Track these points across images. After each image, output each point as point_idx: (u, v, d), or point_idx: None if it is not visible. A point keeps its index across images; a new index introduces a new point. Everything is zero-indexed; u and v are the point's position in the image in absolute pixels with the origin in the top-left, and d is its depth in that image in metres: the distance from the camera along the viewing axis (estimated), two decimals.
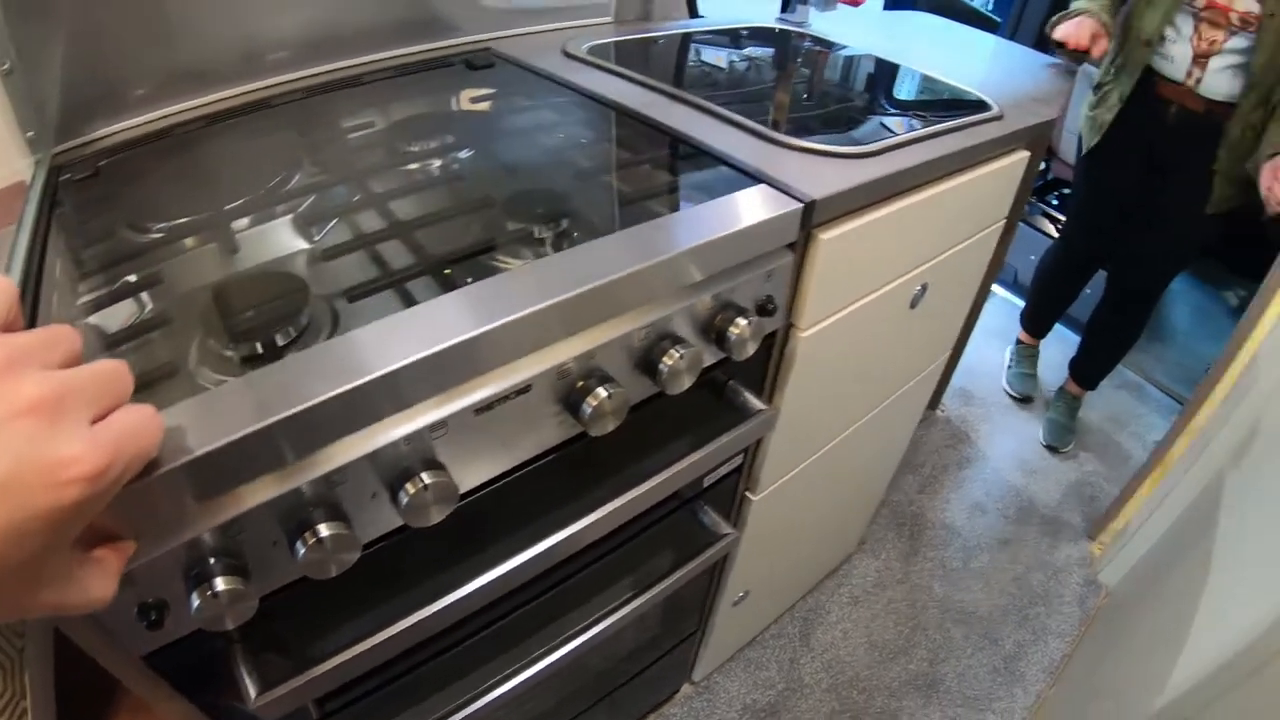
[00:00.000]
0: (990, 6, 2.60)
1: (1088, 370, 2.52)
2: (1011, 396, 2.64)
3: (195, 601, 0.48)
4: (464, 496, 0.60)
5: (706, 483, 0.96)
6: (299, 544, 0.50)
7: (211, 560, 0.49)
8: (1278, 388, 1.63)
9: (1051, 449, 2.50)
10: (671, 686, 1.58)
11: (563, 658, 0.88)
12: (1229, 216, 1.97)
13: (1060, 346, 2.75)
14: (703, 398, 0.83)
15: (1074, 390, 2.57)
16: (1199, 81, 1.83)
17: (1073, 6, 1.86)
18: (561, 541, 0.71)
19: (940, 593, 2.00)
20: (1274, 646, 0.99)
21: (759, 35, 1.38)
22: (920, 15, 2.05)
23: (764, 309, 0.76)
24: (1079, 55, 1.79)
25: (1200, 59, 1.82)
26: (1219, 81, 1.81)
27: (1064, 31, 1.78)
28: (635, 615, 0.95)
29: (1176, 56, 1.86)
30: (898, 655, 1.84)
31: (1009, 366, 2.70)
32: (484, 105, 1.01)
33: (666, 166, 0.86)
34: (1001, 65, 1.63)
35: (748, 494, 1.08)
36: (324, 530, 0.50)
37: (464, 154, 0.87)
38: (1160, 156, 1.99)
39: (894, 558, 2.04)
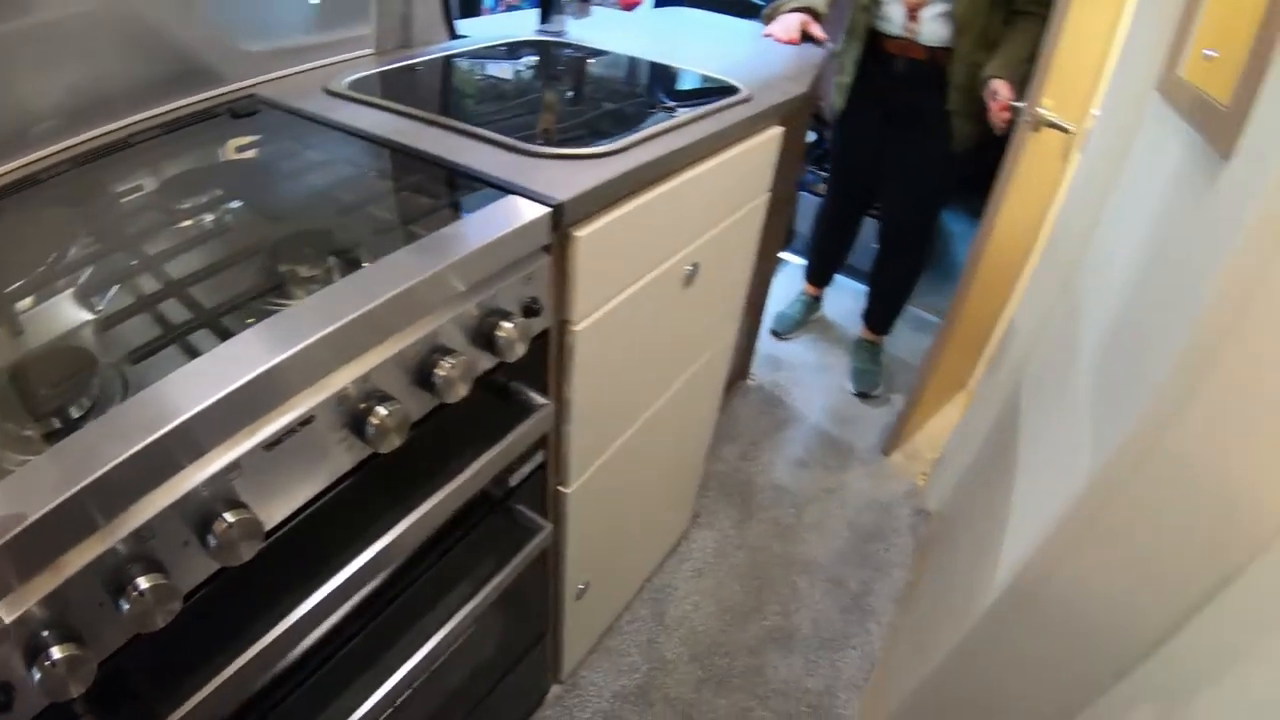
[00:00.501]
0: None
1: (878, 316, 2.78)
2: (773, 334, 2.91)
3: (36, 675, 0.51)
4: (275, 531, 0.65)
5: (513, 482, 1.03)
6: (122, 601, 0.55)
7: (44, 632, 0.52)
8: (1050, 310, 1.88)
9: (863, 395, 2.73)
10: (539, 690, 1.64)
11: (409, 678, 0.92)
12: (985, 152, 2.22)
13: (857, 299, 2.99)
14: (493, 403, 0.91)
15: (870, 337, 2.82)
16: (916, 33, 2.09)
17: None
18: (373, 559, 0.76)
19: (779, 550, 2.16)
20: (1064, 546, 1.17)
21: (518, 49, 1.48)
22: (685, 11, 2.22)
23: (530, 310, 0.85)
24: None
25: (913, 12, 2.08)
26: (934, 30, 2.08)
27: (777, 31, 1.98)
28: (471, 622, 1.01)
29: (893, 15, 2.12)
30: (751, 615, 1.98)
31: (780, 307, 2.97)
32: (249, 154, 1.04)
33: (425, 191, 0.94)
34: (759, 49, 1.80)
35: (560, 488, 1.17)
36: (143, 584, 0.55)
37: (233, 205, 0.91)
38: (899, 106, 2.24)
39: (729, 525, 2.19)
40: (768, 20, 2.04)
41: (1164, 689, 1.15)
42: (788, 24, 1.98)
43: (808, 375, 2.80)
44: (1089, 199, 1.75)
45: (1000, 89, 2.01)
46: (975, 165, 2.31)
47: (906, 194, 2.44)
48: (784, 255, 3.20)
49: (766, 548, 2.16)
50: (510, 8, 2.47)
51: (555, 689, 1.72)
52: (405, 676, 0.92)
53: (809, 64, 1.72)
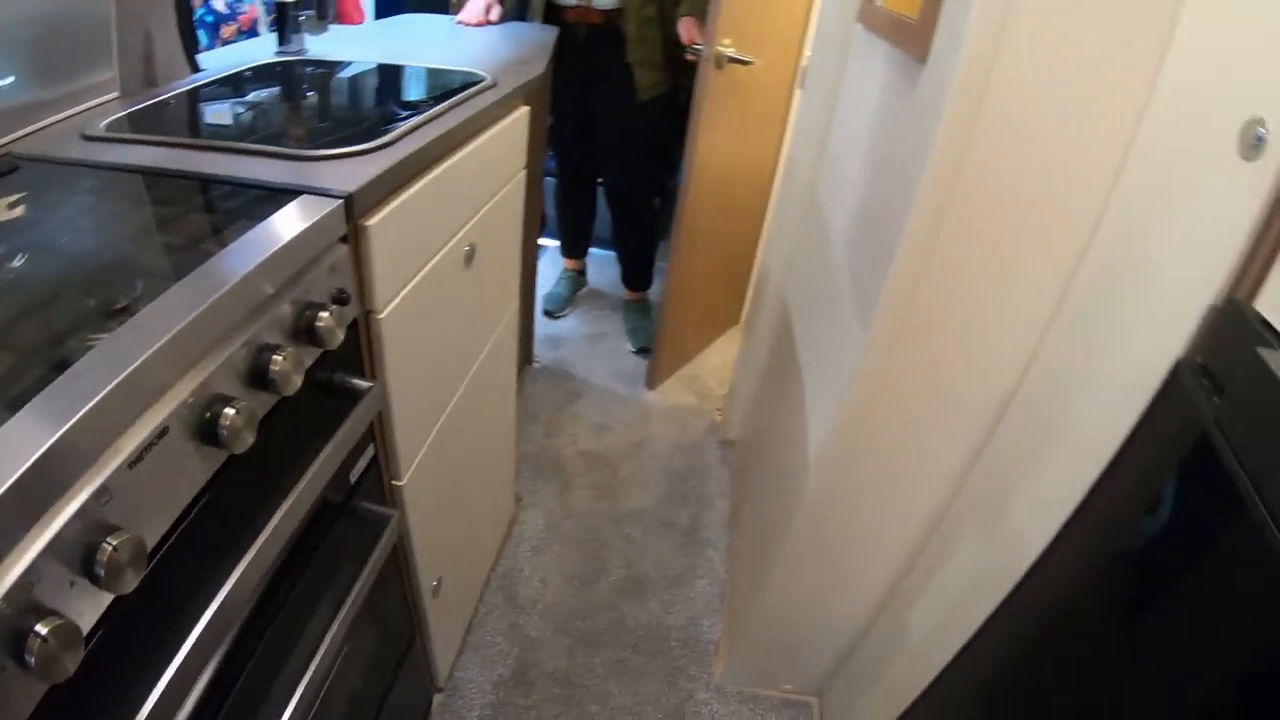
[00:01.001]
0: None
1: (631, 275, 2.92)
2: (546, 314, 3.01)
3: None
4: (158, 551, 0.65)
5: (353, 479, 1.04)
6: (27, 655, 0.53)
7: None
8: (799, 233, 2.06)
9: (642, 351, 2.85)
10: (423, 702, 1.64)
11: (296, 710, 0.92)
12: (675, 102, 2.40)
13: (616, 265, 3.11)
14: (326, 398, 0.92)
15: (633, 297, 2.95)
16: (592, 0, 2.23)
17: None
18: (239, 580, 0.75)
19: (605, 509, 2.24)
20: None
21: (264, 73, 1.46)
22: (410, 18, 2.28)
23: (339, 299, 0.87)
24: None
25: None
26: None
27: (465, 16, 2.06)
28: (343, 641, 1.00)
29: None
30: (597, 575, 2.06)
31: (549, 287, 3.07)
32: (19, 211, 0.98)
33: (215, 210, 0.92)
34: (490, 40, 1.91)
35: (394, 482, 1.19)
36: (42, 629, 0.54)
37: (16, 263, 0.86)
38: (589, 71, 2.37)
39: (552, 500, 2.25)
40: (456, 8, 2.11)
41: (975, 509, 1.32)
42: (474, 8, 2.07)
43: (587, 345, 2.90)
44: (815, 126, 1.95)
45: (685, 28, 2.20)
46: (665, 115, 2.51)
47: (615, 152, 2.61)
48: (542, 241, 3.28)
49: (593, 511, 2.24)
50: (244, 33, 2.40)
51: (438, 698, 1.71)
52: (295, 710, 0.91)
53: (543, 45, 1.81)
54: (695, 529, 2.28)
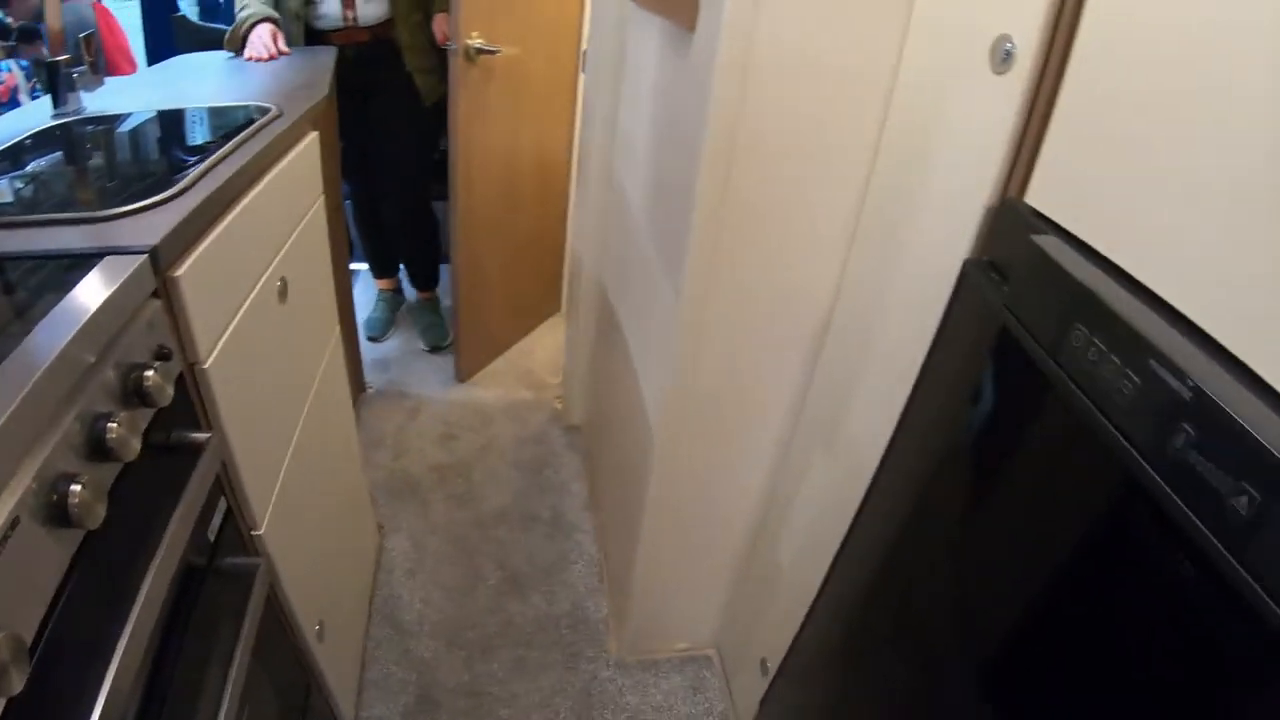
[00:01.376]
0: None
1: (417, 275, 2.91)
2: (369, 339, 2.93)
3: None
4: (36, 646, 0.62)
5: (212, 536, 1.01)
6: None
7: None
8: (602, 210, 2.10)
9: (435, 349, 2.87)
10: None
11: None
12: None
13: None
14: (169, 461, 0.89)
15: (423, 296, 2.94)
16: (356, 19, 2.19)
17: (242, 14, 2.05)
18: (121, 667, 0.72)
19: (467, 517, 2.24)
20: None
21: (44, 138, 1.35)
22: (185, 59, 2.17)
23: (162, 355, 0.84)
24: None
25: (348, 3, 2.17)
26: (369, 10, 2.21)
27: (254, 52, 1.99)
28: (238, 698, 0.96)
29: (329, 11, 2.19)
30: (475, 583, 2.05)
31: (368, 311, 3.00)
32: None
33: (16, 290, 0.85)
34: (270, 69, 1.85)
35: (253, 533, 1.15)
36: None
37: None
38: (367, 89, 2.33)
39: (413, 519, 2.21)
40: (233, 44, 2.03)
41: (817, 433, 1.40)
42: (264, 41, 2.00)
43: (415, 361, 2.86)
44: (603, 106, 2.00)
45: (438, 25, 2.22)
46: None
47: (399, 164, 2.57)
48: (354, 266, 3.20)
49: (456, 521, 2.22)
50: (3, 104, 2.23)
51: None
52: None
53: (323, 67, 1.77)
54: (558, 517, 2.30)
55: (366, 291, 3.12)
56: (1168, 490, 0.60)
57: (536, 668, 1.88)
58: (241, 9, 2.08)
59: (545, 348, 3.05)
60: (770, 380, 1.43)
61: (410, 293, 3.05)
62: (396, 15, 2.26)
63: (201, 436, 0.92)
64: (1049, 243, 0.78)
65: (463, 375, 2.78)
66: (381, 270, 2.99)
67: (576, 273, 2.36)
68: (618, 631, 1.94)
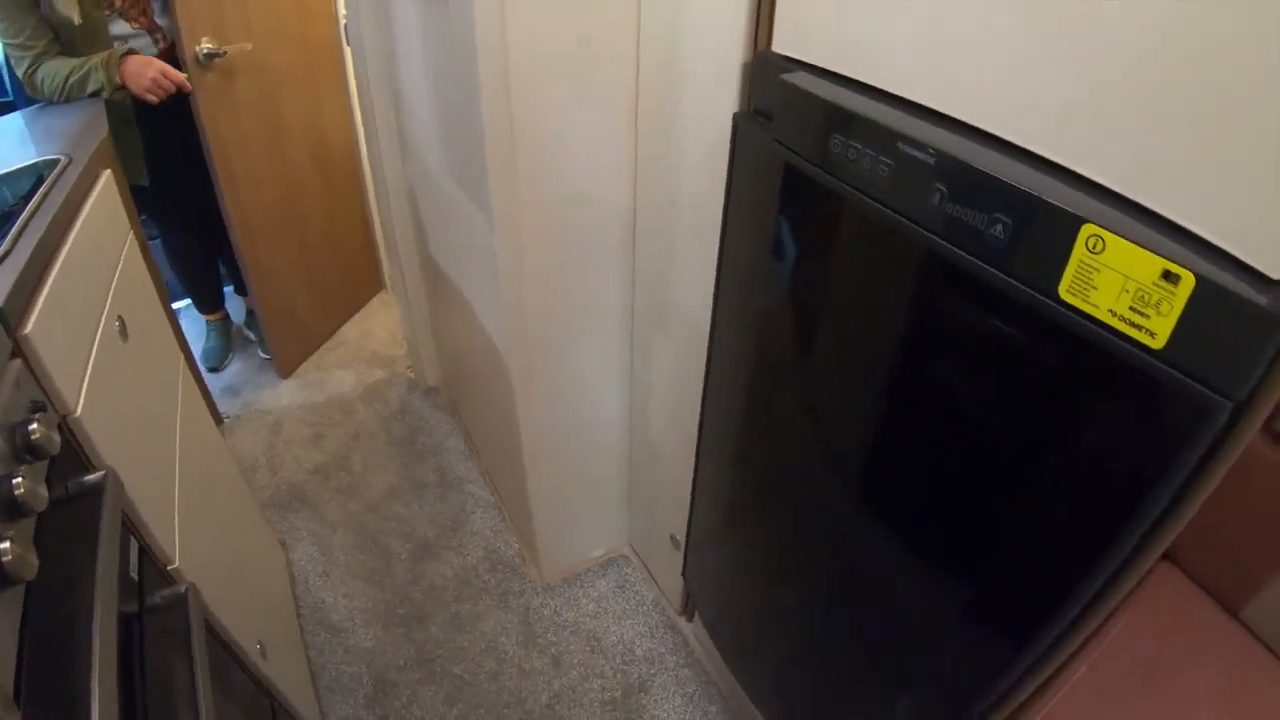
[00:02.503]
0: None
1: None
2: (210, 370, 2.80)
3: None
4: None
5: (135, 576, 1.00)
6: None
7: None
8: (399, 174, 2.09)
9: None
10: None
11: None
12: None
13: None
14: (75, 510, 0.88)
15: (210, 318, 2.85)
16: (164, 37, 2.06)
17: (89, 74, 1.88)
18: None
19: (359, 505, 2.24)
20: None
21: None
22: None
23: (38, 407, 0.83)
24: None
25: (154, 32, 2.04)
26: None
27: (145, 88, 1.89)
28: None
29: (141, 46, 2.05)
30: (389, 561, 2.07)
31: (200, 344, 2.84)
32: None
33: None
34: (42, 125, 1.73)
35: (169, 568, 1.14)
36: None
37: None
38: (169, 115, 2.13)
39: (310, 524, 2.18)
40: (124, 83, 1.90)
41: (650, 317, 1.48)
42: (147, 78, 1.90)
43: (262, 376, 2.76)
44: (378, 75, 1.97)
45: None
46: None
47: (191, 181, 2.41)
48: (176, 305, 3.05)
49: (351, 513, 2.21)
50: None
51: None
52: None
53: (90, 112, 1.69)
54: (444, 476, 2.33)
55: (194, 327, 2.99)
56: (940, 241, 0.73)
57: (472, 618, 1.93)
58: (69, 74, 1.87)
59: (382, 324, 3.01)
60: (597, 279, 1.50)
61: (239, 311, 2.94)
62: (175, 37, 2.08)
63: (95, 477, 0.92)
64: (797, 77, 0.89)
65: (284, 371, 2.73)
66: (207, 304, 2.83)
67: (392, 245, 2.33)
68: (534, 560, 2.00)
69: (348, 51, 2.42)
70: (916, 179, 0.73)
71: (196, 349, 2.78)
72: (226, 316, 2.88)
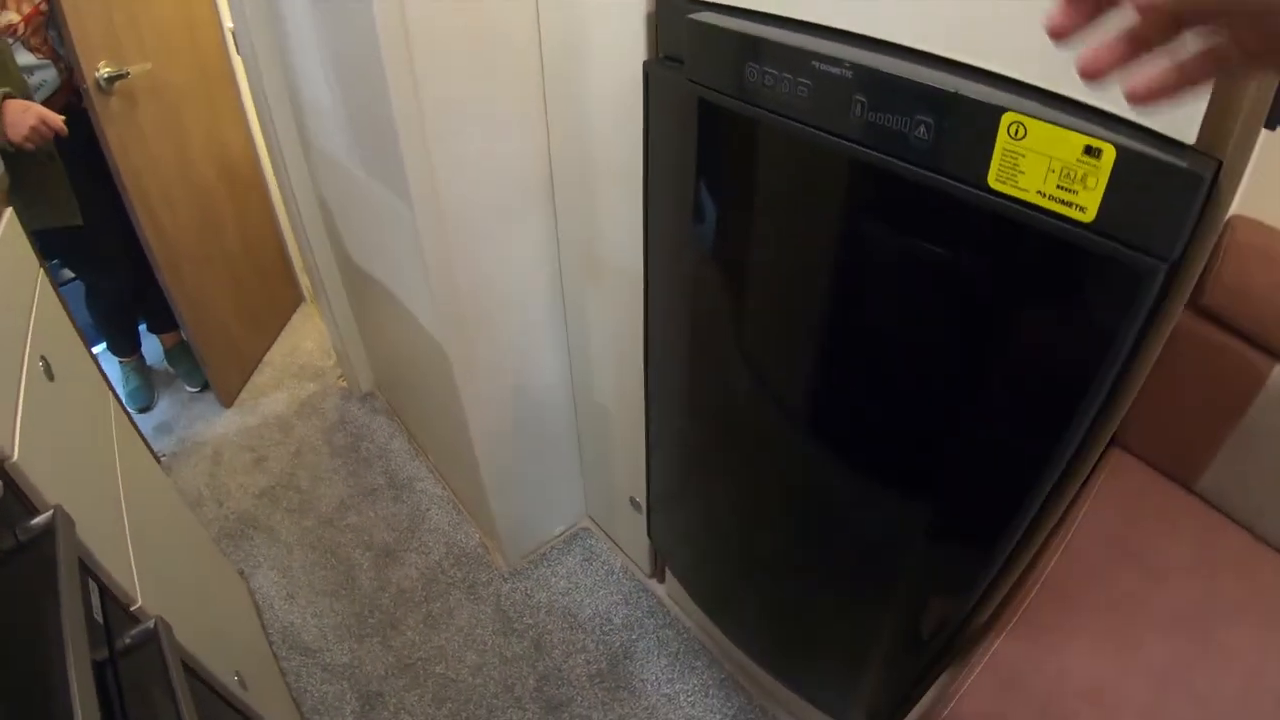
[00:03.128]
0: None
1: (158, 317, 2.66)
2: (139, 411, 2.68)
3: None
4: None
5: (99, 619, 0.96)
6: None
7: None
8: (305, 178, 2.02)
9: (206, 386, 2.70)
10: None
11: None
12: None
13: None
14: (28, 558, 0.84)
15: (171, 339, 2.74)
16: (68, 66, 1.95)
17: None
18: None
19: (312, 521, 2.19)
20: None
21: None
22: None
23: None
24: None
25: (58, 62, 1.94)
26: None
27: (36, 139, 1.77)
28: None
29: (49, 77, 1.92)
30: (351, 573, 2.02)
31: (123, 388, 2.70)
32: None
33: None
34: None
35: (133, 608, 1.09)
36: None
37: None
38: (80, 150, 2.00)
39: (267, 550, 2.11)
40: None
41: (580, 276, 1.47)
42: (24, 125, 1.74)
43: (192, 408, 2.65)
44: (273, 80, 1.89)
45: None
46: None
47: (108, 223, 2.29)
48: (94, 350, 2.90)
49: (305, 530, 2.15)
50: None
51: None
52: None
53: None
54: (394, 479, 2.29)
55: (111, 373, 2.86)
56: (866, 149, 0.74)
57: (445, 616, 1.90)
58: None
59: (307, 337, 2.93)
60: (520, 248, 1.48)
61: (154, 351, 2.81)
62: (76, 68, 1.93)
63: (44, 518, 0.87)
64: (704, 16, 0.88)
65: (227, 400, 2.63)
66: (124, 346, 2.67)
67: (308, 255, 2.26)
68: (498, 547, 1.98)
69: (237, 61, 2.33)
70: (836, 94, 0.74)
71: (120, 394, 2.67)
72: (142, 357, 2.76)
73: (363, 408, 2.57)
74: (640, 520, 1.72)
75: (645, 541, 1.77)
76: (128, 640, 1.01)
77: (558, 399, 1.76)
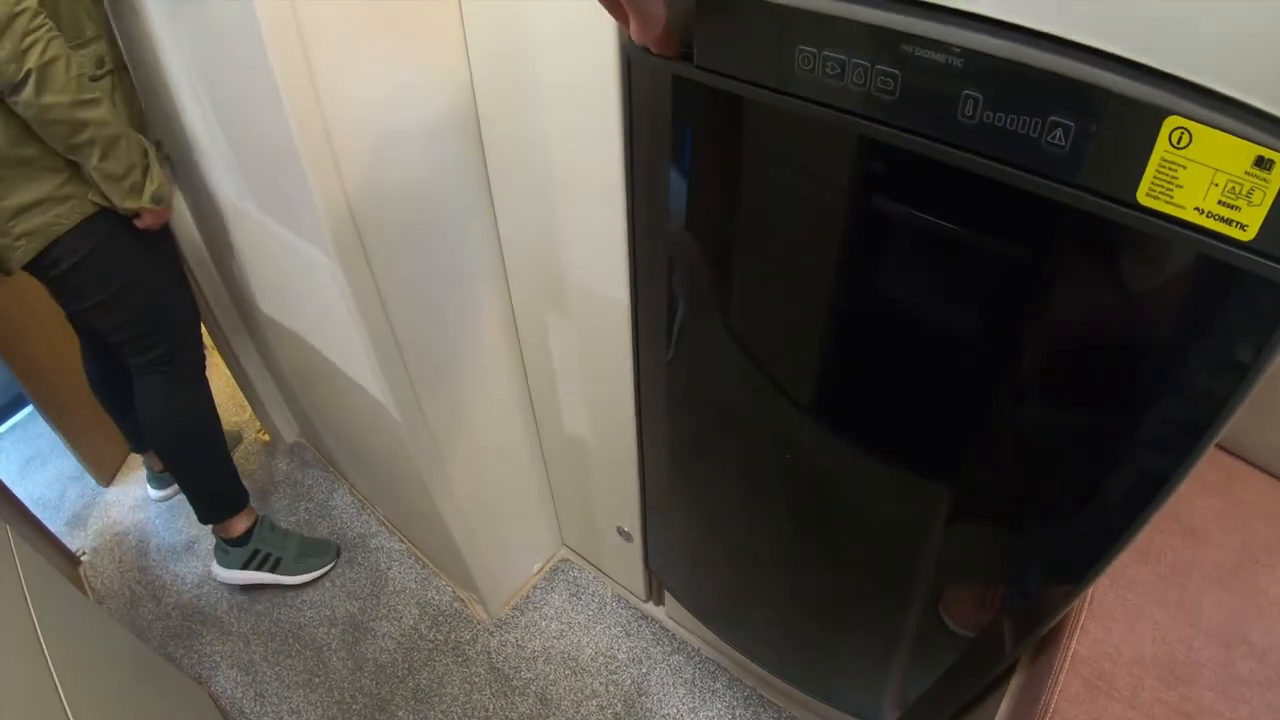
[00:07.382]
0: None
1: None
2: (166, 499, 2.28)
3: None
4: None
5: None
6: None
7: None
8: (201, 244, 1.72)
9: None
10: None
11: None
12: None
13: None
14: None
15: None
16: None
17: None
18: None
19: (266, 606, 1.92)
20: None
21: None
22: None
23: None
24: None
25: None
26: None
27: None
28: None
29: None
30: (322, 656, 1.79)
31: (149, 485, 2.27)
32: None
33: None
34: None
35: None
36: None
37: None
38: None
39: (221, 646, 1.84)
40: None
41: (540, 304, 1.25)
42: None
43: (105, 497, 2.33)
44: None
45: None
46: None
47: None
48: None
49: (259, 614, 1.89)
50: None
51: None
52: None
53: None
54: (344, 538, 2.03)
55: (25, 442, 2.49)
56: (979, 158, 0.56)
57: (434, 686, 1.68)
58: None
59: (216, 389, 2.59)
60: (464, 282, 1.26)
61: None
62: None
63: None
64: None
65: (104, 478, 2.30)
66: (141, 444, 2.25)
67: (203, 305, 1.94)
68: (475, 599, 1.77)
69: None
70: (938, 88, 0.55)
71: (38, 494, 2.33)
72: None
73: (292, 462, 2.28)
74: (629, 549, 1.55)
75: (637, 567, 1.58)
76: None
77: (518, 433, 1.55)
